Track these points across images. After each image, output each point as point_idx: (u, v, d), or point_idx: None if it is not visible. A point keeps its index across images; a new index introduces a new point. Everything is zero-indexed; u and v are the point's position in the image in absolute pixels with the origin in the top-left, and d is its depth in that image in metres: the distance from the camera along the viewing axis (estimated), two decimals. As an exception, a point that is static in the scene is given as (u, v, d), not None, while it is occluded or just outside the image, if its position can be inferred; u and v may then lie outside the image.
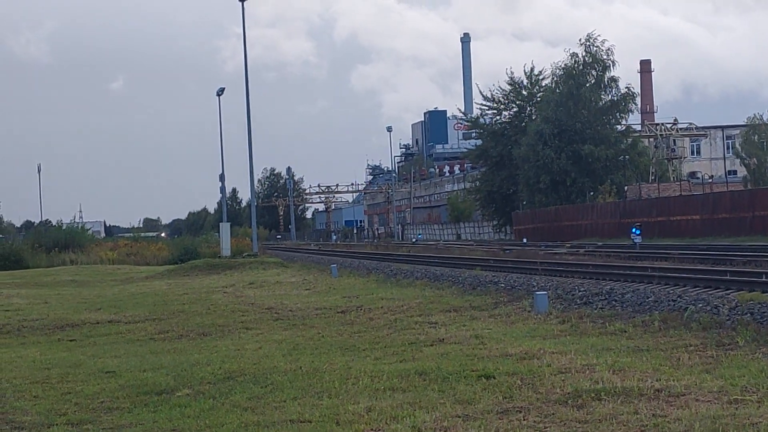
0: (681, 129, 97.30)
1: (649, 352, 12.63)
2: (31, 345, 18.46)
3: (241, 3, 57.47)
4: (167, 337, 18.64)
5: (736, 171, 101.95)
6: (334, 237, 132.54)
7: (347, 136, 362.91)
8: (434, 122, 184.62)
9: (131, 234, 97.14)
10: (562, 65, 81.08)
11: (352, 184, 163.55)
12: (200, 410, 10.29)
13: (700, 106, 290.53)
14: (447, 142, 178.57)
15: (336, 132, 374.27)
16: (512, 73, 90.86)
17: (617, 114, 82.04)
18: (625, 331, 15.03)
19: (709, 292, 18.25)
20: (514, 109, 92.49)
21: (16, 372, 14.27)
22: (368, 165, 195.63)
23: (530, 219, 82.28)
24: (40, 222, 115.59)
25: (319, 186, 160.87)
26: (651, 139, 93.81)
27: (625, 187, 77.76)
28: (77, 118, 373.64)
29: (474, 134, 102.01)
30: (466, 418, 9.04)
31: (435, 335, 15.95)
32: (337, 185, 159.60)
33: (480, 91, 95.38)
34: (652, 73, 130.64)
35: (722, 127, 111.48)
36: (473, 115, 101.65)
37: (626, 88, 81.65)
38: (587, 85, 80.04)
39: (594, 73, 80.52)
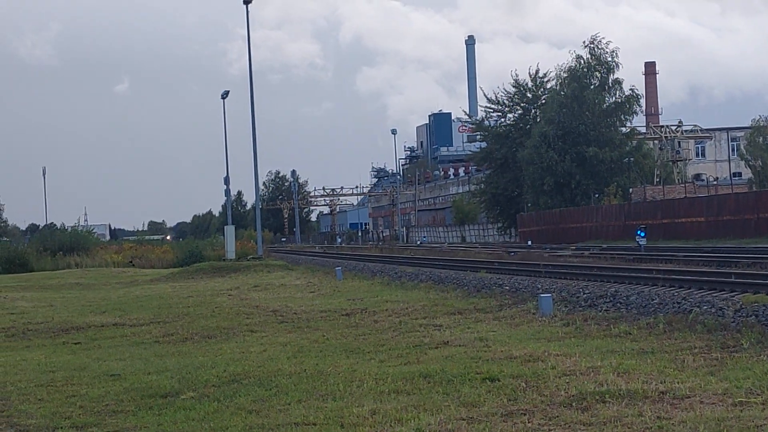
0: (686, 131, 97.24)
1: (653, 355, 12.62)
2: (36, 348, 18.47)
3: (245, 5, 57.57)
4: (172, 340, 18.64)
5: (741, 173, 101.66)
6: (339, 240, 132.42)
7: (352, 138, 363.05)
8: (439, 124, 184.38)
9: (136, 237, 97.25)
10: (567, 67, 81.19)
11: (357, 186, 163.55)
12: (205, 413, 10.30)
13: (705, 108, 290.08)
14: (452, 145, 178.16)
15: (341, 134, 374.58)
16: (517, 75, 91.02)
17: (622, 116, 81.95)
18: (630, 334, 15.03)
19: (714, 295, 18.21)
20: (519, 112, 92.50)
21: (21, 375, 14.28)
22: (373, 167, 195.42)
23: (535, 221, 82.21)
24: (45, 225, 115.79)
25: (323, 188, 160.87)
26: (656, 141, 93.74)
27: (630, 190, 77.69)
28: (82, 120, 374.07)
29: (478, 137, 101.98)
30: (471, 421, 9.05)
31: (439, 338, 15.96)
32: (342, 188, 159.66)
33: (484, 94, 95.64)
34: (657, 75, 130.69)
35: (727, 129, 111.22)
36: (478, 118, 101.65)
37: (631, 89, 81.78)
38: (592, 87, 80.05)
39: (598, 75, 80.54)
